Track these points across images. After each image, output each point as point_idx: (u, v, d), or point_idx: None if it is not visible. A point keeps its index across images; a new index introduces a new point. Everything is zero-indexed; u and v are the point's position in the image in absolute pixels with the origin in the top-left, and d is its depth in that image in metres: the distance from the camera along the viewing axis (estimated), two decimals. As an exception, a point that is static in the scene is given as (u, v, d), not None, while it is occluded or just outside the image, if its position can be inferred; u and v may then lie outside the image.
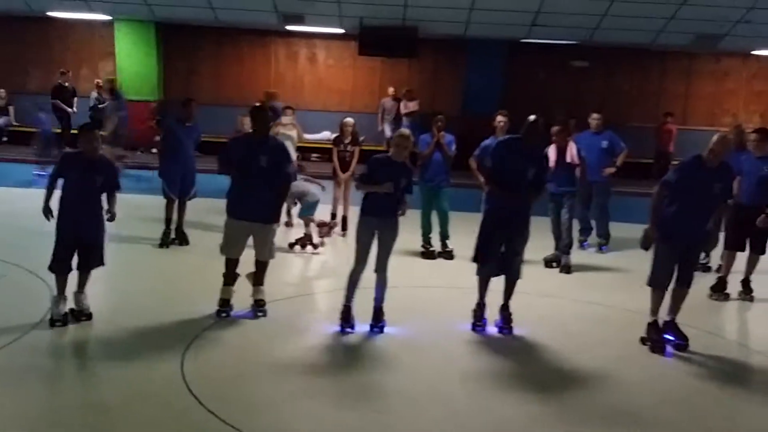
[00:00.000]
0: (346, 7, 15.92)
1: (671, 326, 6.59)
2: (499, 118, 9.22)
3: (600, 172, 9.97)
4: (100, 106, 17.48)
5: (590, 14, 15.76)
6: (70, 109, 16.92)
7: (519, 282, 6.80)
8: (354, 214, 7.22)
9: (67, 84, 17.15)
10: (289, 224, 10.29)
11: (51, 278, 6.44)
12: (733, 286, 8.33)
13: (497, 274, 6.79)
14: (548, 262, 9.28)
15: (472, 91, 18.22)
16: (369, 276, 6.55)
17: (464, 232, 8.13)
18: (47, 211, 6.35)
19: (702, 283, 7.97)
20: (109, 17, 18.05)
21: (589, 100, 16.76)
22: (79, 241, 6.32)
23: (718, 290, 8.30)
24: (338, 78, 19.54)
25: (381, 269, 6.52)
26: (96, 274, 6.54)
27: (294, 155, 10.16)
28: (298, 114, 11.74)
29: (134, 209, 10.15)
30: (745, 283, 8.33)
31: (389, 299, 6.63)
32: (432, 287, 8.21)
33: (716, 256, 9.10)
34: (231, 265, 6.83)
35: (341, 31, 17.86)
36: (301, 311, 7.21)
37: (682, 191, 6.38)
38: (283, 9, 16.18)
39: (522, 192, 6.57)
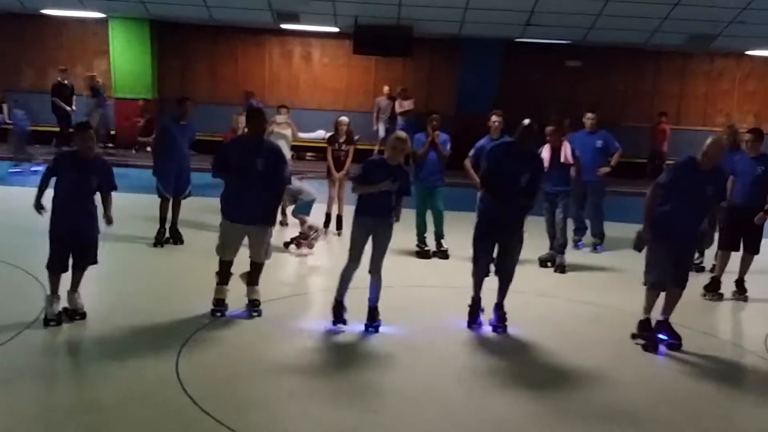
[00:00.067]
0: (340, 5, 15.89)
1: (664, 326, 6.62)
2: (494, 118, 9.22)
3: (594, 171, 9.98)
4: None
5: (585, 14, 15.77)
6: (69, 108, 16.83)
7: (514, 281, 6.81)
8: (349, 213, 7.22)
9: (66, 82, 17.03)
10: (283, 223, 10.28)
11: (44, 277, 6.43)
12: (726, 286, 8.35)
13: (488, 275, 6.81)
14: (543, 262, 9.29)
15: (466, 90, 18.21)
16: (363, 276, 6.55)
17: (459, 232, 8.14)
18: (38, 207, 6.35)
19: (695, 282, 7.99)
20: (104, 15, 17.98)
21: (584, 100, 16.76)
22: (74, 239, 6.30)
23: (712, 290, 8.32)
24: (333, 77, 19.51)
25: (375, 270, 6.52)
26: (90, 273, 6.52)
27: (288, 154, 10.15)
28: (293, 113, 11.72)
29: (128, 208, 10.12)
30: (740, 283, 8.35)
31: (384, 299, 6.63)
32: (427, 287, 8.22)
33: (710, 256, 9.13)
34: (225, 265, 6.82)
35: (336, 29, 17.83)
36: (296, 311, 7.21)
37: (675, 193, 6.40)
38: (277, 7, 16.15)
39: (515, 197, 6.59)
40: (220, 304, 6.75)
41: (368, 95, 18.96)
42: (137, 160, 16.20)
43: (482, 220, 6.87)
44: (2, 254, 8.09)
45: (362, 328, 6.55)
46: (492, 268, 6.83)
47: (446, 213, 9.47)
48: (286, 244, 9.32)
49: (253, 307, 6.80)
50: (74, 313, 6.35)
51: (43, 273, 6.42)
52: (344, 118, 10.37)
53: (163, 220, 9.32)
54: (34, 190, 6.48)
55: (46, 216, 6.33)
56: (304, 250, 9.27)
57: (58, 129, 17.07)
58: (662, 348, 6.55)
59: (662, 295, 6.61)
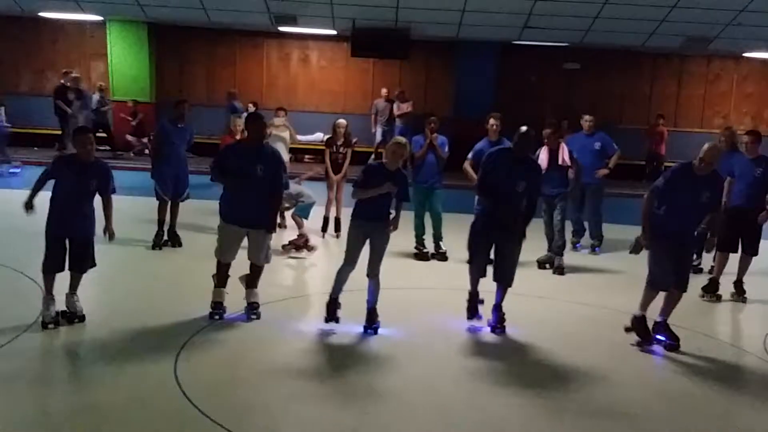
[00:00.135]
0: (338, 8, 15.90)
1: (663, 327, 6.62)
2: (492, 121, 9.21)
3: (593, 173, 9.99)
4: (102, 108, 17.45)
5: (582, 16, 15.80)
6: (70, 110, 16.79)
7: (514, 283, 6.81)
8: (347, 216, 7.22)
9: (69, 84, 17.02)
10: (281, 225, 10.27)
11: (41, 278, 6.41)
12: (725, 288, 8.36)
13: (484, 275, 6.82)
14: (541, 264, 9.29)
15: (463, 92, 18.23)
16: (362, 278, 6.54)
17: (457, 234, 8.13)
18: (28, 207, 6.33)
19: (693, 284, 7.98)
20: (101, 18, 17.98)
21: (582, 102, 16.80)
22: (70, 241, 6.31)
23: (710, 291, 8.33)
24: (331, 79, 19.52)
25: (373, 274, 6.51)
26: (88, 275, 6.51)
27: (286, 157, 10.15)
28: (291, 115, 11.73)
29: (126, 211, 10.11)
30: (738, 284, 8.36)
31: (383, 301, 6.63)
32: (426, 288, 8.22)
33: (708, 258, 9.13)
34: (223, 268, 6.81)
35: (334, 32, 17.85)
36: (295, 314, 7.20)
37: (671, 197, 6.42)
38: (275, 10, 16.15)
39: (512, 202, 6.60)
40: (218, 306, 6.74)
41: (366, 98, 18.98)
42: (135, 162, 16.21)
43: (478, 221, 6.87)
44: (5, 258, 8.07)
45: (361, 330, 6.54)
46: (489, 270, 6.83)
47: (444, 215, 9.47)
48: (285, 247, 9.31)
49: (252, 309, 6.79)
50: (73, 316, 6.34)
51: (38, 274, 6.41)
52: (342, 121, 10.37)
53: (161, 222, 9.31)
54: (21, 192, 6.46)
55: (42, 218, 6.31)
56: (303, 252, 9.27)
57: (60, 131, 17.07)
58: (659, 348, 6.55)
59: (661, 296, 6.62)
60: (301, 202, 9.37)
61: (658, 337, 6.62)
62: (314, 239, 9.57)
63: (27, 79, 19.31)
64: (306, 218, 9.39)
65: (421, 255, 9.48)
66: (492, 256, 6.82)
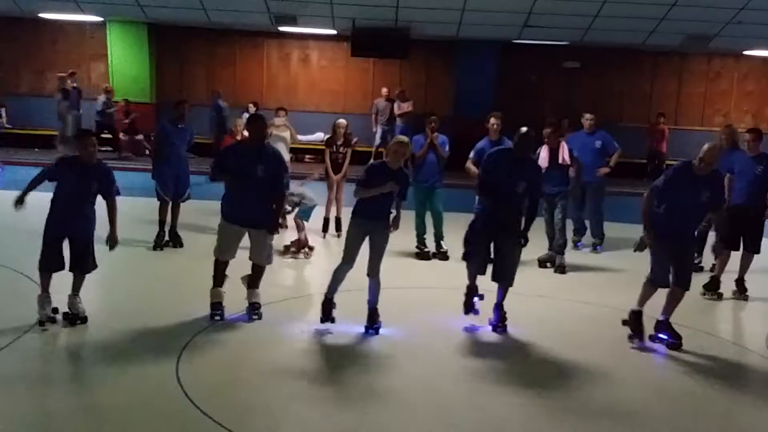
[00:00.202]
0: (338, 8, 15.90)
1: (665, 325, 6.61)
2: (493, 120, 9.20)
3: (594, 172, 9.98)
4: (108, 110, 17.45)
5: (582, 15, 15.79)
6: (76, 111, 16.78)
7: (515, 282, 6.81)
8: (347, 215, 7.21)
9: (75, 85, 17.02)
10: (282, 226, 10.25)
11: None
12: (726, 286, 8.35)
13: (484, 273, 6.82)
14: (542, 263, 9.29)
15: (464, 92, 18.23)
16: (362, 278, 6.53)
17: (458, 233, 8.08)
18: (19, 202, 6.31)
19: (695, 282, 7.97)
20: (101, 18, 17.98)
21: (582, 101, 16.80)
22: (70, 241, 6.31)
23: (712, 289, 8.32)
24: (331, 79, 19.52)
25: (374, 273, 6.50)
26: (89, 276, 6.51)
27: (287, 157, 10.14)
28: (291, 115, 11.72)
29: (128, 211, 10.11)
30: (740, 282, 8.35)
31: (384, 301, 6.62)
32: (427, 288, 8.21)
33: (709, 256, 9.13)
34: (221, 267, 6.80)
35: (334, 32, 17.85)
36: (296, 314, 7.19)
37: (671, 196, 6.42)
38: (275, 10, 16.16)
39: (513, 201, 6.59)
40: (217, 307, 6.73)
41: (366, 97, 18.98)
42: (136, 163, 16.21)
43: (477, 220, 6.86)
44: (2, 258, 8.07)
45: (362, 330, 6.54)
46: (489, 270, 6.83)
47: (445, 214, 9.47)
48: (286, 248, 9.30)
49: (254, 310, 6.78)
50: (75, 318, 6.34)
51: (37, 274, 6.40)
52: (342, 121, 10.37)
53: (162, 223, 9.31)
54: (5, 192, 6.47)
55: (41, 218, 6.31)
56: (301, 255, 9.27)
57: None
58: (661, 347, 6.55)
59: (663, 294, 6.61)
60: (303, 204, 9.34)
61: (661, 335, 6.61)
62: (315, 240, 9.56)
63: (27, 80, 19.32)
64: (307, 221, 9.36)
65: (422, 254, 9.47)
66: (492, 255, 6.82)
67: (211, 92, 17.39)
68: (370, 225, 6.43)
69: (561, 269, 9.10)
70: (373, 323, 6.54)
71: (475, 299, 6.91)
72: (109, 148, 17.10)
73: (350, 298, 6.70)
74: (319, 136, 10.95)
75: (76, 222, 6.30)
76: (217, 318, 6.68)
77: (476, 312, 6.89)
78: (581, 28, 16.43)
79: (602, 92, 18.87)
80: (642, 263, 6.75)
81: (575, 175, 9.26)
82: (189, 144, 9.53)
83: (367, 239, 6.48)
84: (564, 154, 9.06)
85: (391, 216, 6.56)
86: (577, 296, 8.11)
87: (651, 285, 6.60)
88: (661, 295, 6.64)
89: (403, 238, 8.06)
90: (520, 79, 18.83)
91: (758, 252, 8.35)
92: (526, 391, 5.56)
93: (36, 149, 17.52)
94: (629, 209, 9.56)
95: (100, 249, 6.56)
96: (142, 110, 18.17)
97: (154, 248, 9.19)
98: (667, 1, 14.93)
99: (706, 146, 6.41)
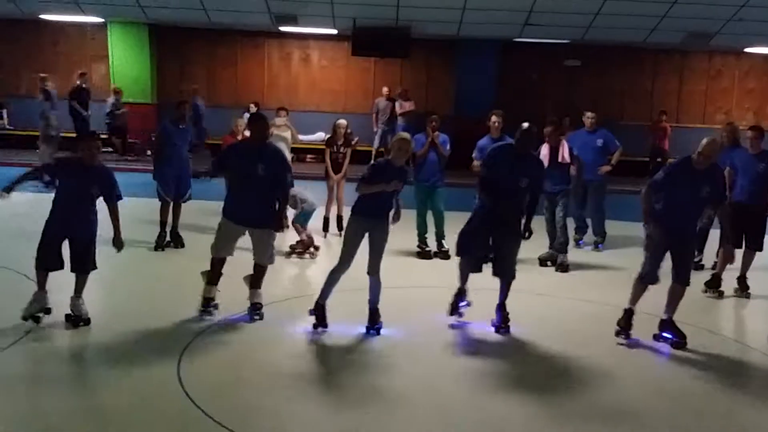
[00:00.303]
0: (339, 7, 15.90)
1: (669, 324, 6.60)
2: (494, 118, 9.22)
3: (595, 170, 9.98)
4: (117, 112, 17.46)
5: (583, 13, 15.79)
6: (85, 112, 16.80)
7: (515, 281, 6.81)
8: (348, 214, 7.21)
9: (85, 86, 17.03)
10: (285, 225, 10.25)
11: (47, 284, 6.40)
12: (728, 283, 8.34)
13: (480, 271, 6.83)
14: (543, 261, 9.29)
15: (464, 91, 18.22)
16: (363, 278, 6.52)
17: (460, 232, 8.13)
18: (6, 191, 6.31)
19: (696, 280, 7.97)
20: (102, 20, 17.99)
21: (582, 99, 16.78)
22: (70, 241, 6.32)
23: (713, 286, 8.31)
24: (332, 79, 19.52)
25: (374, 271, 6.49)
26: (90, 277, 6.51)
27: (288, 156, 10.14)
28: (292, 115, 11.73)
29: (129, 212, 10.12)
30: (742, 279, 8.34)
31: (385, 300, 6.62)
32: (428, 287, 8.20)
33: (709, 254, 9.12)
34: (217, 264, 6.79)
35: (334, 31, 17.85)
36: (297, 314, 7.16)
37: (671, 192, 6.41)
38: (275, 10, 16.16)
39: (514, 198, 6.59)
40: (208, 303, 6.72)
41: (367, 97, 18.97)
42: (136, 164, 16.22)
43: (476, 217, 6.85)
44: (4, 260, 8.08)
45: (363, 330, 6.53)
46: (489, 268, 6.83)
47: (447, 213, 9.46)
48: (292, 248, 9.29)
49: (255, 310, 6.78)
50: (78, 320, 6.34)
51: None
52: (342, 121, 10.37)
53: (163, 223, 9.32)
54: (25, 196, 6.48)
55: (43, 221, 6.32)
56: (307, 255, 9.27)
57: (75, 134, 17.07)
58: (666, 346, 6.54)
59: (664, 293, 6.60)
60: (303, 208, 9.28)
61: (665, 335, 6.60)
62: (317, 239, 9.55)
63: (28, 81, 19.31)
64: (304, 226, 9.33)
65: (423, 253, 9.47)
66: (490, 253, 6.82)
67: (191, 90, 17.32)
68: (369, 223, 6.42)
69: (563, 268, 9.09)
70: (374, 323, 6.54)
71: (462, 303, 6.92)
72: (110, 149, 17.11)
73: (351, 298, 6.70)
74: (320, 135, 10.95)
75: (77, 223, 6.30)
76: (207, 315, 6.64)
77: (460, 314, 6.90)
78: (582, 27, 16.41)
79: (603, 90, 18.86)
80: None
81: (576, 173, 9.26)
82: (190, 144, 9.53)
83: (366, 238, 6.47)
84: (564, 152, 9.05)
85: (391, 212, 6.55)
86: (578, 294, 8.10)
87: (641, 282, 6.59)
88: (663, 295, 6.63)
89: (404, 237, 8.07)
90: (521, 78, 18.82)
91: (760, 249, 8.34)
92: (527, 391, 5.56)
93: (37, 150, 17.50)
94: (631, 207, 9.52)
95: (102, 250, 6.58)
96: (143, 111, 18.17)
97: (156, 249, 9.20)
98: (667, -1, 14.94)
99: (704, 140, 6.39)
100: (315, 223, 9.74)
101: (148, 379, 5.45)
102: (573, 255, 9.51)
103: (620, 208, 11.24)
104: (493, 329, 6.76)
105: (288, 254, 9.24)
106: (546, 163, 8.62)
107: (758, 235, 8.29)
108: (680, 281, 6.53)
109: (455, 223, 9.26)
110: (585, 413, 5.27)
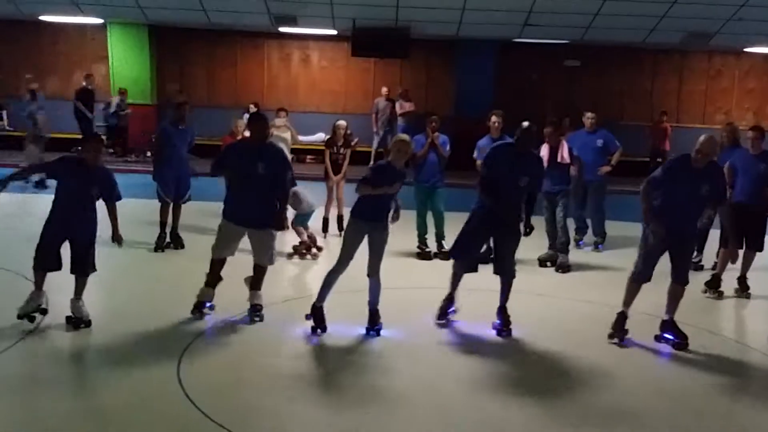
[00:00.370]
0: (338, 8, 15.90)
1: (670, 325, 6.59)
2: (494, 118, 9.22)
3: (595, 171, 9.98)
4: (121, 112, 17.45)
5: (583, 13, 15.78)
6: (90, 114, 16.78)
7: (515, 282, 6.81)
8: (348, 214, 7.22)
9: (90, 87, 17.02)
10: (286, 226, 10.24)
11: (47, 285, 6.39)
12: (727, 283, 8.33)
13: (475, 271, 6.85)
14: (543, 262, 9.28)
15: (464, 91, 18.22)
16: (362, 278, 6.52)
17: (460, 233, 8.12)
18: (3, 182, 6.32)
19: (695, 281, 7.97)
20: (102, 20, 17.99)
21: (582, 99, 16.78)
22: (70, 242, 6.32)
23: (713, 287, 8.30)
24: (331, 79, 19.52)
25: (374, 273, 6.48)
26: (90, 278, 6.51)
27: (288, 157, 10.14)
28: (292, 116, 11.73)
29: (129, 213, 10.11)
30: (742, 280, 8.34)
31: (385, 301, 6.61)
32: (428, 288, 8.18)
33: (709, 255, 9.12)
34: (217, 266, 6.79)
35: (334, 32, 17.84)
36: (297, 315, 7.16)
37: (670, 190, 6.38)
38: (275, 11, 16.15)
39: (514, 198, 6.59)
40: (201, 306, 6.73)
41: (367, 97, 18.97)
42: (136, 165, 16.22)
43: (474, 218, 6.84)
44: (4, 261, 8.08)
45: (363, 331, 6.53)
46: (489, 267, 6.83)
47: (447, 214, 9.46)
48: (295, 248, 9.28)
49: (255, 312, 6.77)
50: (79, 322, 6.33)
51: (45, 281, 6.40)
52: (342, 122, 10.38)
53: (163, 224, 9.32)
54: (25, 196, 6.47)
55: (42, 223, 6.31)
56: (309, 256, 9.27)
57: (81, 135, 17.05)
58: (667, 347, 6.54)
59: (663, 294, 6.60)
60: (303, 209, 9.26)
61: (666, 335, 6.59)
62: (318, 240, 9.54)
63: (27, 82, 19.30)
64: (305, 228, 9.32)
65: (423, 254, 9.47)
66: (490, 253, 6.82)
67: (177, 90, 17.34)
68: (369, 225, 6.42)
69: (564, 268, 9.09)
70: (374, 325, 6.53)
71: (450, 309, 6.92)
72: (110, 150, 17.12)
73: (351, 299, 6.70)
74: (320, 136, 10.95)
75: (77, 223, 6.30)
76: (198, 316, 6.65)
77: (447, 320, 6.91)
78: (582, 27, 16.41)
79: (603, 91, 18.85)
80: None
81: (576, 173, 9.26)
82: (190, 145, 9.53)
83: (366, 239, 6.46)
84: (564, 152, 9.05)
85: (391, 213, 6.55)
86: (578, 295, 8.10)
87: (634, 280, 6.58)
88: (663, 295, 6.63)
89: (404, 238, 8.06)
90: (521, 78, 18.81)
91: (761, 250, 8.34)
92: (527, 391, 5.56)
93: (24, 151, 17.49)
94: (631, 208, 9.52)
95: (102, 251, 6.58)
96: (142, 112, 18.17)
97: (156, 250, 9.20)
98: (667, -1, 14.93)
99: (702, 137, 6.36)
100: (315, 223, 9.74)
101: (148, 380, 5.45)
102: (573, 255, 9.50)
103: (620, 208, 11.24)
104: (494, 332, 6.74)
105: (290, 255, 9.24)
106: (546, 163, 8.63)
107: (758, 236, 8.29)
108: (679, 281, 6.53)
109: (455, 224, 9.28)
110: (585, 413, 5.27)
